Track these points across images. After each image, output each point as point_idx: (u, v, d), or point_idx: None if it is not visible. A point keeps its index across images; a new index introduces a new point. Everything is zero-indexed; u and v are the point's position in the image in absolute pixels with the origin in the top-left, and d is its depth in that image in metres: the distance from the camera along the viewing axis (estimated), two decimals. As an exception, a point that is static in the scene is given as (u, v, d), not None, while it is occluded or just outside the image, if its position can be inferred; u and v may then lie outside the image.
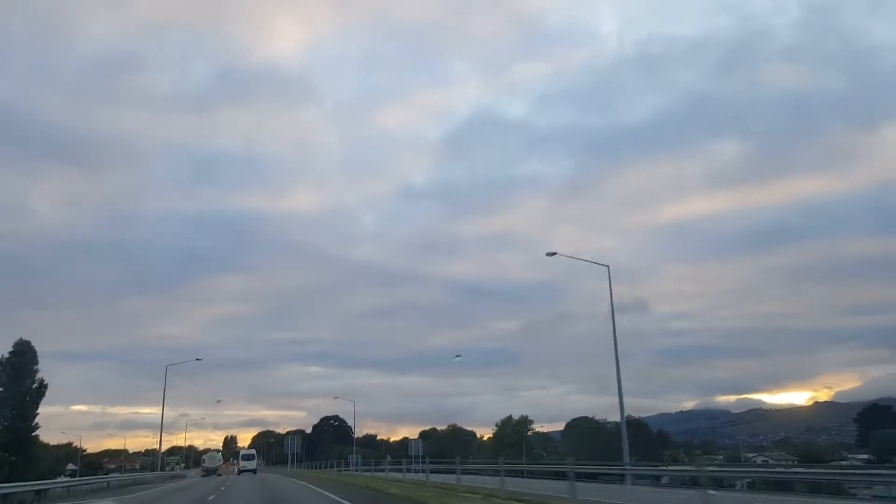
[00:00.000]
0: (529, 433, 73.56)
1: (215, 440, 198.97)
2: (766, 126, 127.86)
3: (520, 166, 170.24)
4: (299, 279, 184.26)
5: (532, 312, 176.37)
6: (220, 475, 68.44)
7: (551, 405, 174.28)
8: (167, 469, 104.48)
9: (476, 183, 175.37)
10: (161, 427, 64.63)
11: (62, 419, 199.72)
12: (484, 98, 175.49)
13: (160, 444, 72.22)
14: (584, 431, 70.18)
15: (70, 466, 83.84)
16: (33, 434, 51.49)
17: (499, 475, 21.31)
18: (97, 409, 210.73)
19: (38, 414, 51.82)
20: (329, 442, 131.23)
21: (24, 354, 50.74)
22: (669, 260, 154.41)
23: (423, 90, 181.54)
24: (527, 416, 74.33)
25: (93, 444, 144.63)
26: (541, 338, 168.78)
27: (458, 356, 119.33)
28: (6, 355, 50.17)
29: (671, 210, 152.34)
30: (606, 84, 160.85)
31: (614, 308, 29.67)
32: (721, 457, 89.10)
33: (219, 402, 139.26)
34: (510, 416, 75.56)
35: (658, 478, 32.59)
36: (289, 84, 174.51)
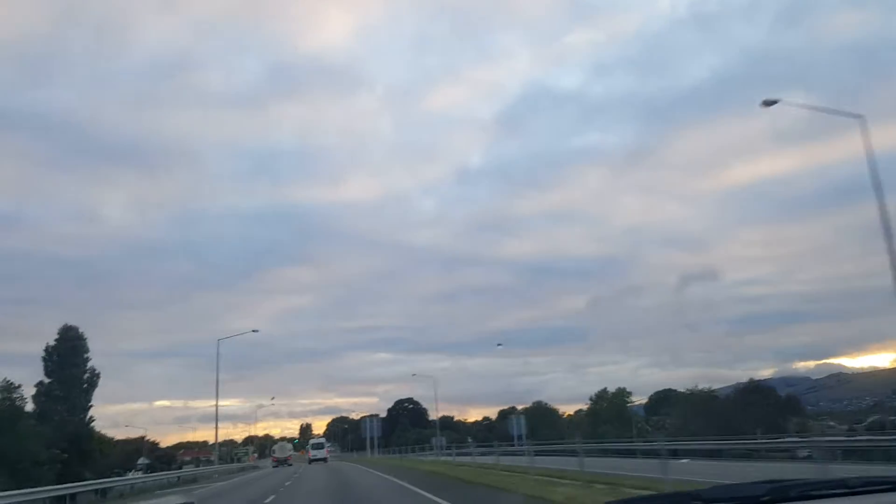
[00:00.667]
0: (630, 406, 65.60)
1: (291, 428, 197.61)
2: (832, 78, 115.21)
3: (577, 138, 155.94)
4: (361, 267, 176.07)
5: (598, 287, 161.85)
6: (291, 465, 66.11)
7: (623, 380, 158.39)
8: (241, 460, 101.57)
9: (532, 159, 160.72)
10: (216, 414, 58.15)
11: (146, 415, 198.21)
12: (536, 71, 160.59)
13: (216, 435, 67.72)
14: (687, 403, 61.53)
15: (141, 461, 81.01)
16: (88, 427, 46.99)
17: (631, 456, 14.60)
18: (179, 403, 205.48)
19: (91, 406, 47.39)
20: (405, 425, 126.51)
21: (70, 341, 46.20)
22: (739, 225, 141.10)
23: (474, 68, 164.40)
24: (624, 389, 66.44)
25: (175, 438, 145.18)
26: (608, 313, 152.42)
27: (499, 344, 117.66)
28: (52, 343, 45.70)
29: (738, 173, 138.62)
30: (662, 47, 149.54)
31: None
32: (834, 424, 79.08)
33: (273, 399, 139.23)
34: (605, 388, 67.81)
35: (791, 452, 27.49)
36: (338, 73, 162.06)
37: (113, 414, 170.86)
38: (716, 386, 64.45)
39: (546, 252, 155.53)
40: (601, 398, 66.55)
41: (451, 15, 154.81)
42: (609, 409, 65.12)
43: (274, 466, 68.40)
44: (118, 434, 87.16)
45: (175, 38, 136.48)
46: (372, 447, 71.81)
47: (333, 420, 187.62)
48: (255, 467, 76.42)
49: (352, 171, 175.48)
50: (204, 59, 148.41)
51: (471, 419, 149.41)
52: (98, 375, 47.39)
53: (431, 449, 57.57)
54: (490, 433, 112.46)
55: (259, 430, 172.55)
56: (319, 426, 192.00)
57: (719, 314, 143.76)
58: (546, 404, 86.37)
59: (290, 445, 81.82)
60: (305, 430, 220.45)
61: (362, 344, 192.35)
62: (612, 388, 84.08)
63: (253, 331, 55.79)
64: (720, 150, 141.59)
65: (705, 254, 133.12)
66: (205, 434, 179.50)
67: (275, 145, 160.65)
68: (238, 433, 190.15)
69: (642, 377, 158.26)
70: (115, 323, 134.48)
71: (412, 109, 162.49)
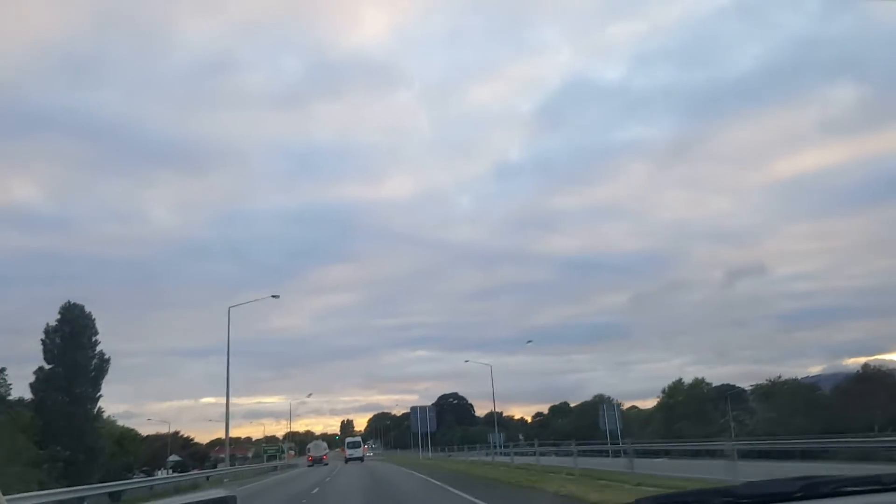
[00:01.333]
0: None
1: (332, 425, 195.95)
2: (883, 66, 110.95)
3: (619, 132, 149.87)
4: (400, 265, 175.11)
5: (641, 283, 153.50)
6: (327, 464, 63.97)
7: (669, 377, 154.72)
8: (278, 457, 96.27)
9: (573, 153, 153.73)
10: (227, 401, 43.78)
11: (194, 411, 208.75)
12: (576, 64, 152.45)
13: (227, 429, 61.81)
14: (783, 396, 52.92)
15: (172, 458, 76.10)
16: (95, 420, 41.22)
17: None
18: (224, 400, 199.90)
19: (100, 396, 41.59)
20: (450, 422, 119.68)
21: (75, 322, 40.44)
22: (786, 218, 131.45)
23: (513, 62, 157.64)
24: (702, 379, 58.21)
25: (219, 434, 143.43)
26: (652, 309, 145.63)
27: (529, 341, 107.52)
28: (52, 324, 39.99)
29: (785, 165, 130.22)
30: (705, 37, 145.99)
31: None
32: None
33: (309, 395, 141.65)
34: (680, 379, 59.69)
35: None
36: (376, 70, 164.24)
37: (161, 410, 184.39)
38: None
39: (588, 248, 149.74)
40: (676, 390, 58.51)
41: (488, 9, 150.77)
42: (685, 404, 57.08)
43: (309, 465, 65.71)
44: (152, 430, 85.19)
45: (216, 39, 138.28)
46: (423, 445, 64.35)
47: (375, 416, 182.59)
48: (290, 466, 72.40)
49: (390, 168, 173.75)
50: (245, 59, 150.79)
51: (515, 417, 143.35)
52: (108, 361, 41.62)
53: (489, 447, 50.37)
54: (544, 430, 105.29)
55: (300, 426, 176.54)
56: (360, 423, 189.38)
57: (766, 310, 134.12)
58: (610, 398, 78.05)
59: (325, 444, 78.64)
60: (346, 426, 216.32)
61: (402, 341, 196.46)
62: (655, 387, 76.56)
63: (273, 296, 46.45)
64: (767, 141, 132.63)
65: (752, 248, 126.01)
66: (248, 430, 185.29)
67: (315, 144, 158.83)
68: (280, 429, 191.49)
69: (687, 375, 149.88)
70: (161, 322, 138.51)
71: (450, 105, 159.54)
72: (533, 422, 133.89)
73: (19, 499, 19.04)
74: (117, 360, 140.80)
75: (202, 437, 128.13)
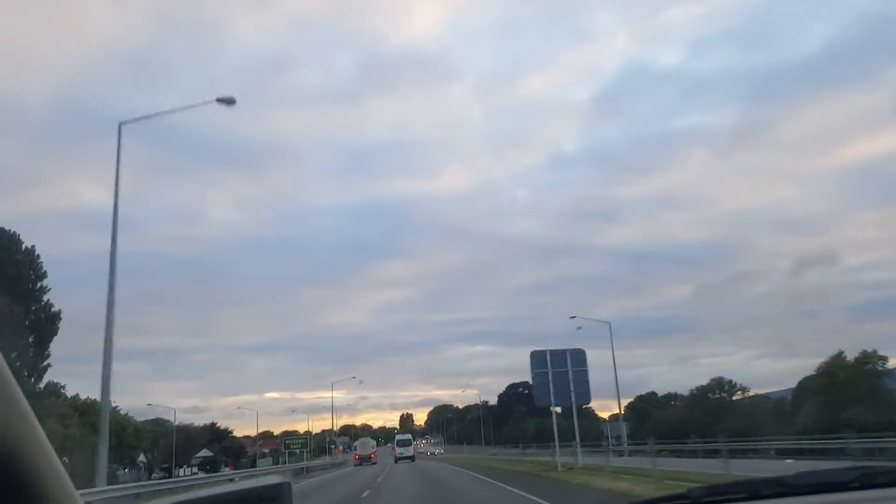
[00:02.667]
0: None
1: (392, 420, 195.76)
2: None
3: (678, 119, 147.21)
4: (457, 260, 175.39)
5: (704, 275, 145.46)
6: (375, 463, 58.78)
7: (735, 371, 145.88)
8: (329, 452, 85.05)
9: (631, 142, 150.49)
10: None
11: (258, 405, 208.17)
12: (632, 50, 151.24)
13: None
14: None
15: (202, 453, 65.27)
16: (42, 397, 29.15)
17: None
18: (287, 395, 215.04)
19: (48, 365, 29.68)
20: (521, 414, 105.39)
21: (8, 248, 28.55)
22: (855, 205, 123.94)
23: (567, 50, 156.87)
24: (874, 351, 42.43)
25: (280, 427, 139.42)
26: (716, 301, 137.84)
27: (579, 328, 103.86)
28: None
29: (854, 150, 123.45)
30: (767, 17, 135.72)
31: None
32: None
33: (356, 379, 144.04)
34: (840, 352, 44.00)
35: None
36: (429, 64, 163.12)
37: (226, 405, 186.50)
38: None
39: (648, 239, 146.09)
40: (837, 366, 42.77)
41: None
42: (857, 380, 41.48)
43: (356, 465, 60.30)
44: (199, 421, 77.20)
45: (270, 37, 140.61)
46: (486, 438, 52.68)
47: (435, 409, 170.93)
48: (334, 465, 63.31)
49: (445, 162, 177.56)
50: (298, 57, 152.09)
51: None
52: (59, 318, 29.42)
53: (572, 444, 37.06)
54: (642, 424, 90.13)
55: (360, 421, 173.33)
56: (420, 417, 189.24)
57: (836, 301, 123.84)
58: (730, 381, 62.80)
59: (373, 442, 72.39)
60: (406, 420, 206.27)
61: (460, 336, 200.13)
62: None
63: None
64: (834, 126, 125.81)
65: (819, 237, 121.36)
66: (304, 425, 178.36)
67: (370, 140, 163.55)
68: (338, 424, 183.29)
69: (754, 369, 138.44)
70: (225, 319, 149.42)
71: (504, 97, 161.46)
72: (611, 417, 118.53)
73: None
74: (185, 356, 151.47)
75: (251, 431, 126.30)
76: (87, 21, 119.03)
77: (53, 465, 0.89)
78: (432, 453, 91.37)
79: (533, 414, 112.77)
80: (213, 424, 74.90)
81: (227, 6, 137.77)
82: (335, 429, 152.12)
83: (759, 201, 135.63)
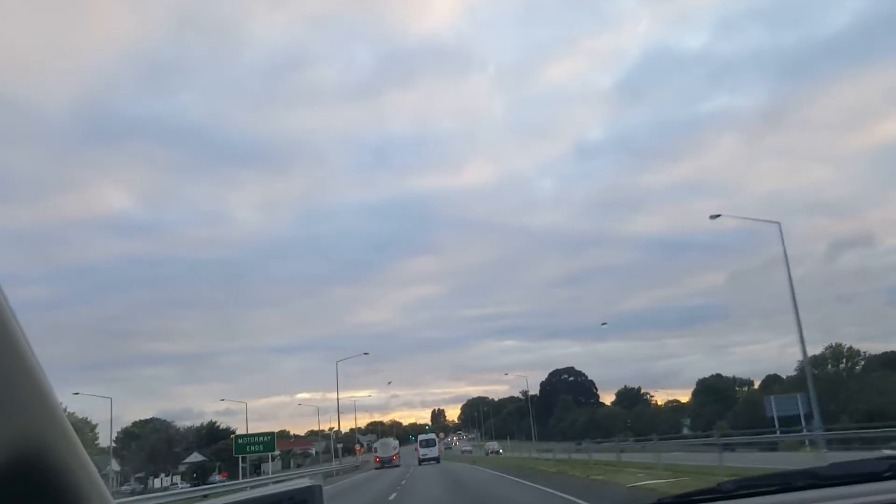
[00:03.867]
0: None
1: (424, 417, 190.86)
2: None
3: (705, 102, 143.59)
4: (483, 254, 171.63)
5: (737, 262, 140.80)
6: (398, 465, 53.88)
7: (769, 360, 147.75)
8: (352, 452, 75.18)
9: (658, 128, 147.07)
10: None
11: (289, 407, 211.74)
12: (656, 33, 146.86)
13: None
14: None
15: (192, 458, 55.51)
16: None
17: None
18: (318, 395, 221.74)
19: None
20: (567, 404, 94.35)
21: None
22: (894, 185, 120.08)
23: (589, 36, 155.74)
24: None
25: (303, 429, 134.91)
26: (750, 288, 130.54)
27: (604, 323, 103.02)
28: None
29: (890, 126, 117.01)
30: None
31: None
32: None
33: (389, 383, 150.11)
34: None
35: None
36: (449, 55, 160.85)
37: (258, 407, 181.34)
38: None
39: (676, 227, 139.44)
40: None
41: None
42: None
43: (377, 468, 54.47)
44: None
45: (287, 33, 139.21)
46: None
47: (469, 402, 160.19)
48: (348, 469, 55.82)
49: (468, 155, 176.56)
50: (317, 53, 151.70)
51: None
52: None
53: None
54: (698, 418, 78.35)
55: (390, 418, 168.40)
56: (452, 413, 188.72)
57: (875, 284, 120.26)
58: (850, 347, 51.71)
59: (395, 442, 65.08)
60: (437, 416, 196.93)
61: (489, 332, 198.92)
62: (758, 370, 54.48)
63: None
64: (869, 102, 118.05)
65: (855, 219, 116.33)
66: (341, 424, 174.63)
67: (392, 135, 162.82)
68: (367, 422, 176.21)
69: (790, 356, 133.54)
70: (252, 320, 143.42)
71: (526, 86, 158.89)
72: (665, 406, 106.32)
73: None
74: (214, 358, 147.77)
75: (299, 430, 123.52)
76: (106, 23, 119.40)
77: (88, 470, 0.88)
78: (466, 451, 79.49)
79: (581, 403, 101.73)
80: (211, 424, 65.27)
81: (245, 5, 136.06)
82: (360, 427, 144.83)
83: (792, 184, 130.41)
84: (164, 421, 66.03)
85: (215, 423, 67.33)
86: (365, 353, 61.99)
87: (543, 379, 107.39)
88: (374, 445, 65.72)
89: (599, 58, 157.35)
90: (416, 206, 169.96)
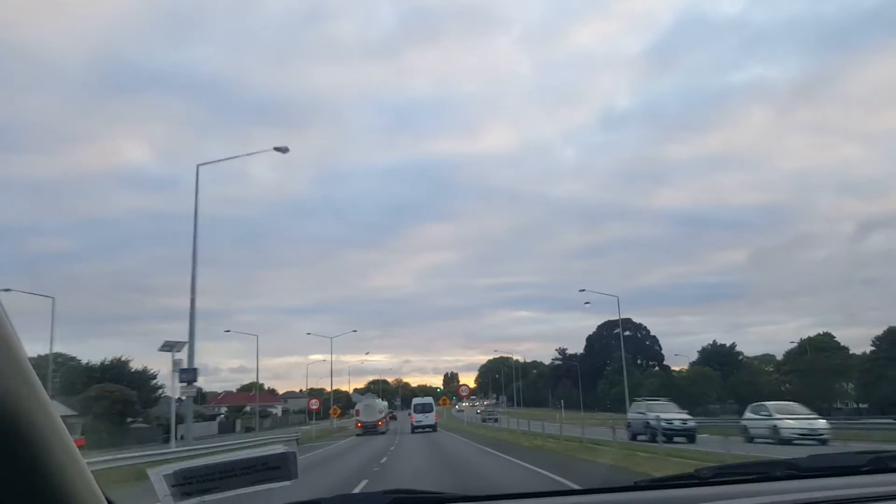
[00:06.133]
0: None
1: (436, 383, 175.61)
2: None
3: (737, 73, 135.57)
4: (502, 223, 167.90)
5: (759, 239, 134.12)
6: (384, 432, 43.64)
7: (785, 342, 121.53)
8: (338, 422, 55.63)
9: (687, 98, 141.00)
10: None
11: (302, 367, 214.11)
12: None
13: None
14: None
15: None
16: None
17: None
18: (333, 357, 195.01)
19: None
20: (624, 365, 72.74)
21: None
22: None
23: None
24: None
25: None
26: (771, 267, 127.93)
27: (587, 303, 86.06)
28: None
29: None
30: None
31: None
32: None
33: (355, 331, 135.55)
34: None
35: None
36: (474, 14, 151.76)
37: (273, 366, 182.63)
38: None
39: (702, 201, 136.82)
40: None
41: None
42: None
43: (358, 434, 43.81)
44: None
45: None
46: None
47: (489, 363, 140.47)
48: (327, 434, 45.29)
49: (490, 120, 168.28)
50: (337, 5, 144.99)
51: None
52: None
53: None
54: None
55: (394, 379, 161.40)
56: (467, 379, 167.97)
57: None
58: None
59: (383, 403, 54.32)
60: (449, 380, 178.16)
61: (503, 301, 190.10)
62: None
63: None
64: None
65: (886, 199, 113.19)
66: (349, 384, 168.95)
67: (413, 97, 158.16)
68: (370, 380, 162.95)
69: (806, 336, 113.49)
70: (269, 280, 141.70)
71: (552, 49, 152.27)
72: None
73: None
74: (232, 316, 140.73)
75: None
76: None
77: (58, 428, 0.88)
78: (492, 418, 58.37)
79: (641, 367, 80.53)
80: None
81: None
82: (359, 388, 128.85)
83: (822, 161, 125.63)
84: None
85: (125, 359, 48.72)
86: (353, 331, 58.98)
87: (608, 319, 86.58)
88: (357, 407, 50.46)
89: (630, 21, 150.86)
90: (435, 170, 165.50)
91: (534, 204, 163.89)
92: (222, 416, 74.39)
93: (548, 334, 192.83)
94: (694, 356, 78.84)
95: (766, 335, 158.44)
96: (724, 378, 54.63)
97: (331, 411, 53.88)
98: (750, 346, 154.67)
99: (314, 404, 51.49)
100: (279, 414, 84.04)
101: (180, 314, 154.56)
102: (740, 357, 72.93)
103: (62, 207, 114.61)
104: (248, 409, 72.03)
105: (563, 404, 61.97)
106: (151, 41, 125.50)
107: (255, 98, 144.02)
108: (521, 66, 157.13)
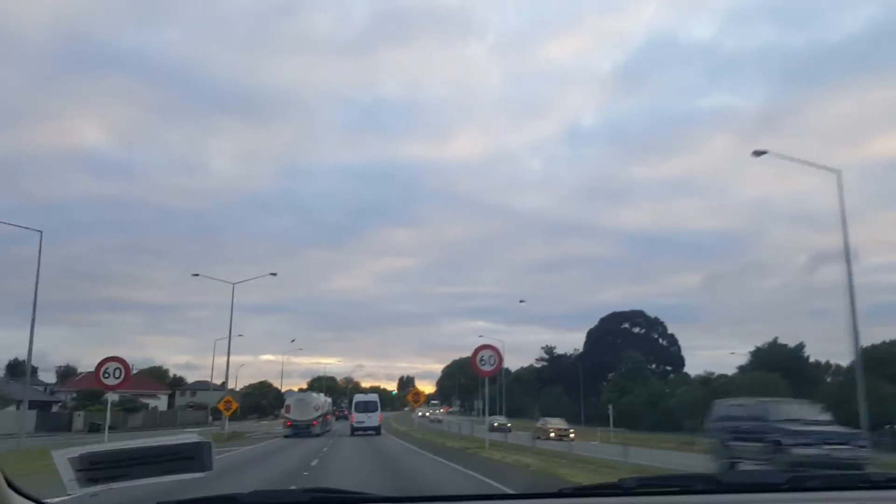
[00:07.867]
0: None
1: (390, 388, 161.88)
2: None
3: (703, 99, 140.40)
4: (464, 232, 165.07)
5: (714, 265, 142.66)
6: (319, 435, 37.45)
7: (731, 365, 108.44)
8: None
9: (651, 120, 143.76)
10: None
11: (252, 367, 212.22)
12: (664, 19, 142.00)
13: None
14: None
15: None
16: None
17: None
18: (283, 358, 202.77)
19: None
20: (637, 368, 60.46)
21: None
22: (883, 202, 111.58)
23: (594, 14, 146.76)
24: None
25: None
26: (724, 293, 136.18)
27: (522, 301, 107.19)
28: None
29: (887, 143, 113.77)
30: None
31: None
32: None
33: (293, 341, 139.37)
34: None
35: None
36: (448, 18, 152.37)
37: (221, 364, 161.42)
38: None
39: (660, 224, 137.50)
40: None
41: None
42: None
43: (286, 436, 36.77)
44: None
45: None
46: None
47: (452, 364, 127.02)
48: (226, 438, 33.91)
49: (458, 126, 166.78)
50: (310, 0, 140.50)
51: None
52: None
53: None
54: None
55: (342, 378, 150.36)
56: (422, 386, 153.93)
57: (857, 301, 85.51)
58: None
59: (321, 399, 42.88)
60: (406, 384, 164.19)
61: (461, 311, 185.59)
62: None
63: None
64: (868, 116, 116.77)
65: (840, 233, 77.35)
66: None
67: (381, 96, 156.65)
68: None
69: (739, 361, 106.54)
70: (223, 276, 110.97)
71: (523, 60, 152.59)
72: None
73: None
74: (182, 312, 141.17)
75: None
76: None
77: None
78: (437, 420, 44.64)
79: (655, 372, 68.12)
80: None
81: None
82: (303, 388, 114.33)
83: (780, 191, 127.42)
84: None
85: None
86: (273, 274, 47.91)
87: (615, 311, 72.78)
88: (287, 402, 41.07)
89: (601, 39, 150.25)
90: (401, 174, 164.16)
91: (497, 214, 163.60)
92: (61, 403, 60.60)
93: (508, 346, 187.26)
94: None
95: (714, 360, 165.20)
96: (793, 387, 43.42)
97: (222, 409, 39.18)
98: (694, 368, 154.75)
99: (227, 406, 36.96)
100: (160, 408, 68.51)
101: (129, 306, 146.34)
102: (809, 358, 61.34)
103: (10, 186, 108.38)
104: (106, 397, 56.27)
105: (582, 416, 48.32)
106: (117, 19, 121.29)
107: (221, 87, 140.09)
108: (491, 75, 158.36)
